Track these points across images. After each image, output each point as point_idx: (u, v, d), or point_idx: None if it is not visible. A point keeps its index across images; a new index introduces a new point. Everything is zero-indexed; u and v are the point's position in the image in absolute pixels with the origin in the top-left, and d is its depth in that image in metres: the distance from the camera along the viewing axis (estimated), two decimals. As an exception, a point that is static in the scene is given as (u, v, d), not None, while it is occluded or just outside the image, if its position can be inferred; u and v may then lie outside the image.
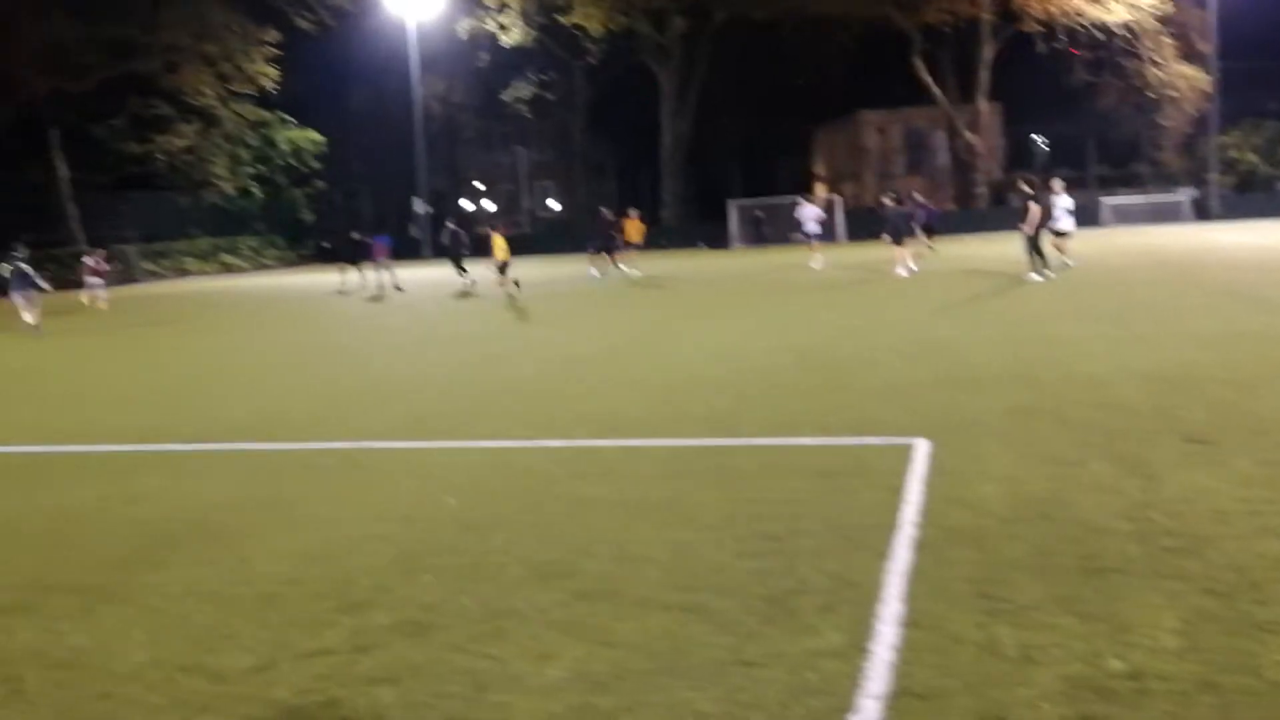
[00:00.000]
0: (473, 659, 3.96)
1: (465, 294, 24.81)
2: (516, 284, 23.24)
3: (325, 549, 5.48)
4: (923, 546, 4.92)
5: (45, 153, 42.88)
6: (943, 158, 63.75)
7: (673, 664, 3.81)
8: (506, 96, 53.60)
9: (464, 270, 26.20)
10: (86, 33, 38.86)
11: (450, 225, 28.69)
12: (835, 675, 3.62)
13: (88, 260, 29.19)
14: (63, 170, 43.30)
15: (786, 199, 44.76)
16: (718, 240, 47.28)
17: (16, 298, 20.46)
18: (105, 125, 43.81)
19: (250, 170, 50.60)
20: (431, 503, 6.29)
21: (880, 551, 4.88)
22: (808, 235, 29.18)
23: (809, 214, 29.67)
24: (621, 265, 29.03)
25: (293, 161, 52.28)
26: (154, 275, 43.53)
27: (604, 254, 28.97)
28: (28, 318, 20.23)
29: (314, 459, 7.83)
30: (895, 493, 5.86)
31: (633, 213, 31.09)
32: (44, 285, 21.34)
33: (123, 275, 40.88)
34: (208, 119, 46.51)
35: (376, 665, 3.95)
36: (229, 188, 49.19)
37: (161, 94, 43.56)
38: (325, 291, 28.95)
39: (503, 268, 22.82)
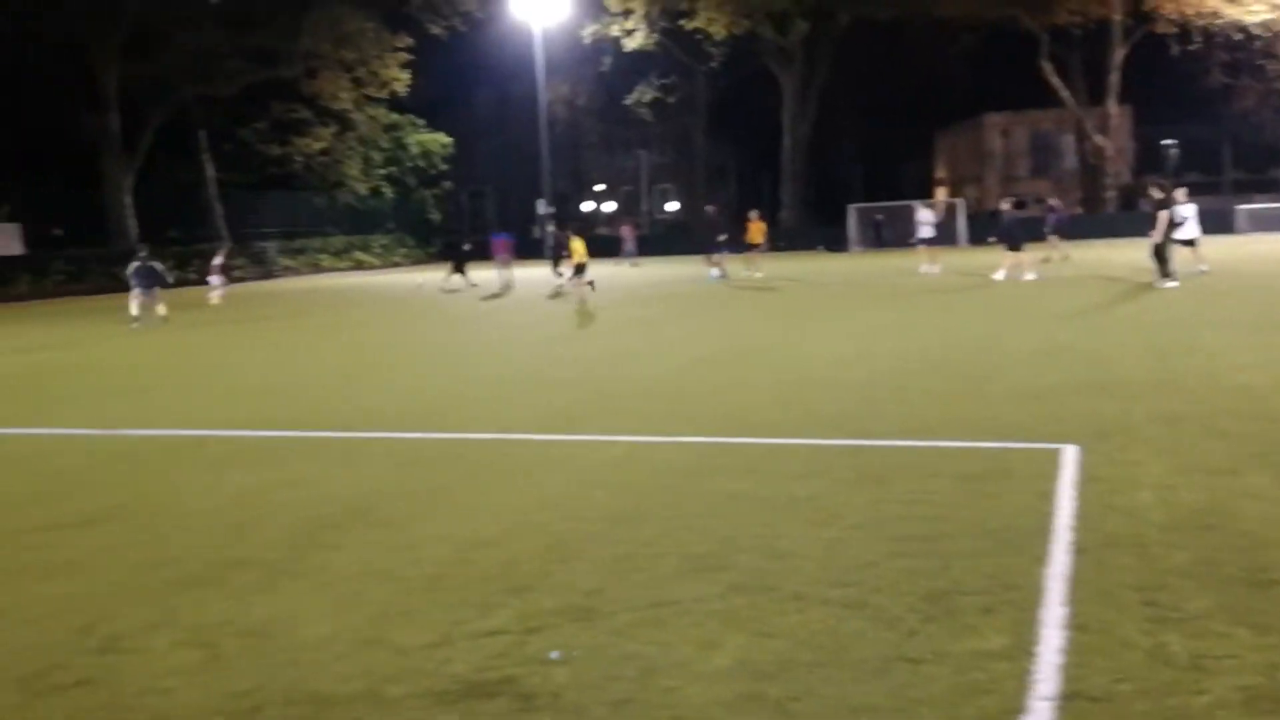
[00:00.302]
0: (638, 644, 4.10)
1: (558, 294, 25.29)
2: (591, 285, 23.25)
3: (484, 535, 5.70)
4: (1081, 552, 4.88)
5: (194, 154, 45.01)
6: (1070, 161, 61.98)
7: (836, 657, 3.89)
8: (629, 100, 54.03)
9: (562, 274, 26.81)
10: (235, 41, 40.63)
11: (552, 229, 29.38)
12: (1003, 676, 3.65)
13: (216, 260, 30.23)
14: (210, 170, 45.38)
15: (906, 203, 44.23)
16: (837, 243, 46.94)
17: (136, 293, 21.41)
18: (249, 128, 45.84)
19: (382, 171, 52.29)
20: (579, 494, 6.47)
21: (1037, 556, 4.86)
22: (922, 240, 28.86)
23: (923, 218, 29.47)
24: (715, 269, 28.87)
25: (422, 163, 53.80)
26: (290, 271, 45.25)
27: (710, 254, 29.07)
28: (134, 309, 21.19)
29: (460, 449, 8.11)
30: (1046, 498, 5.80)
31: (754, 214, 31.09)
32: (168, 279, 22.43)
33: (263, 271, 42.79)
34: (343, 122, 48.19)
35: (547, 646, 4.12)
36: (361, 188, 50.95)
37: (301, 99, 45.31)
38: (450, 289, 29.68)
39: (579, 270, 22.60)
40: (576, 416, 9.26)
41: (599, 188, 66.69)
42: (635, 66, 52.72)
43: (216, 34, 39.76)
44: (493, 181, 64.16)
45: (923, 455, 7.09)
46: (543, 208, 53.91)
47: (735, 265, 29.61)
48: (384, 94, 46.89)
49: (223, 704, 3.80)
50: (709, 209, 31.54)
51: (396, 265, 50.99)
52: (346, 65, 44.63)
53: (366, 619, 4.53)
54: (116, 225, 40.83)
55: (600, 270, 27.03)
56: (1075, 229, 37.04)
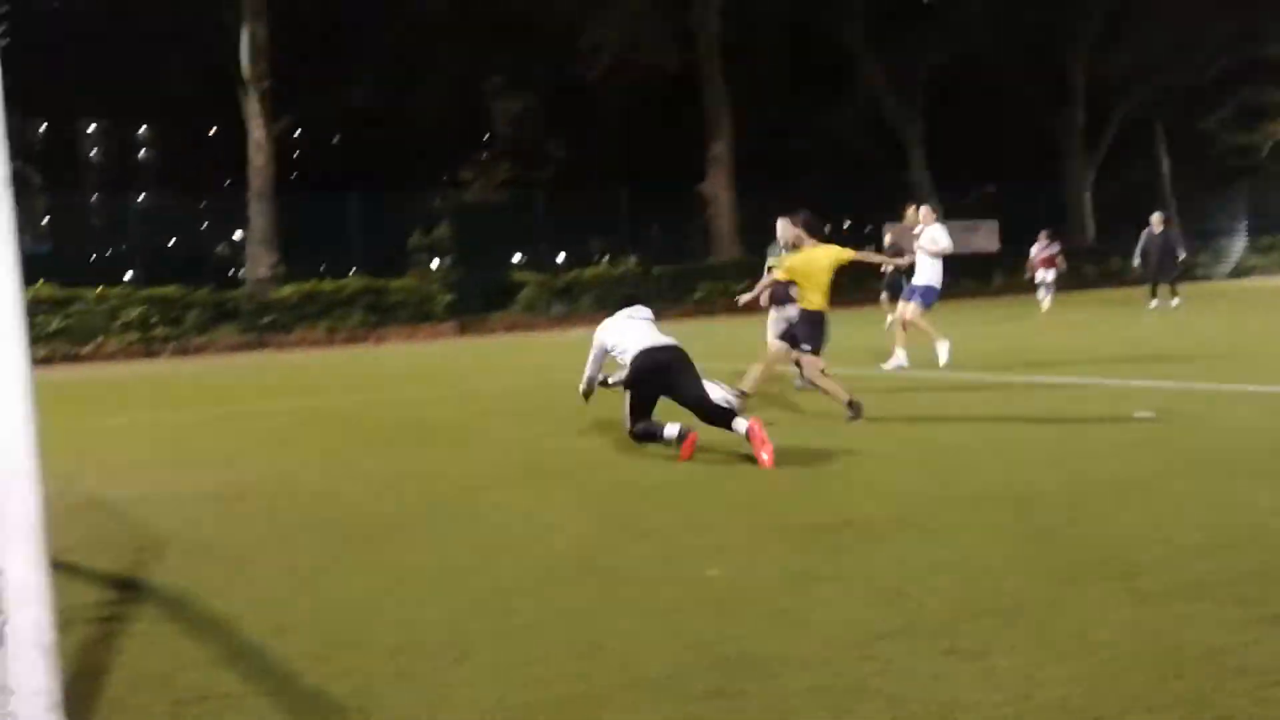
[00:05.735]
0: None
1: None
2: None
3: None
4: None
5: (1149, 147, 43.46)
6: None
7: None
8: None
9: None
10: (1213, 19, 37.60)
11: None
12: None
13: (1044, 249, 24.34)
14: (1164, 165, 43.48)
15: None
16: None
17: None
18: (1211, 118, 42.72)
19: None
20: None
21: None
22: None
23: None
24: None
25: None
26: (1259, 270, 40.77)
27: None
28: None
29: None
30: None
31: None
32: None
33: (1230, 270, 39.73)
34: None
35: None
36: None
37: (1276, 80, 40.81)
38: None
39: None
40: None
41: None
42: None
43: (1194, 15, 37.03)
44: None
45: None
46: None
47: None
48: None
49: None
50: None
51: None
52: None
53: None
54: (1077, 222, 40.91)
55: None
56: None
